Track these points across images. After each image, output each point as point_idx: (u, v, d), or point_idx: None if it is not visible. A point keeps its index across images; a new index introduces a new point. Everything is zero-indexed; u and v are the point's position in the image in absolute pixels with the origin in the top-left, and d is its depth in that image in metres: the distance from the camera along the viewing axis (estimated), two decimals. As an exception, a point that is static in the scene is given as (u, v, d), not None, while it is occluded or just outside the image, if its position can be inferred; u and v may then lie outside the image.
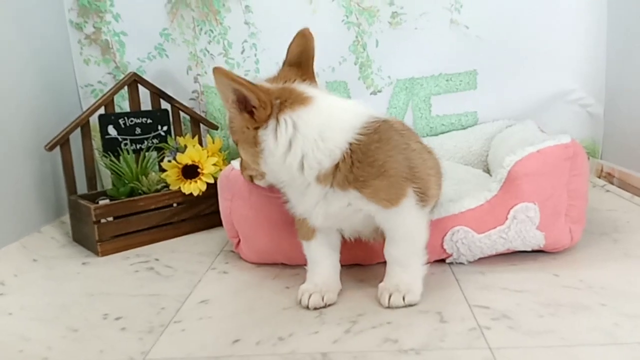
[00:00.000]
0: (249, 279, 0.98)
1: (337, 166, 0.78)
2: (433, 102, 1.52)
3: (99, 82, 1.49)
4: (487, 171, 1.41)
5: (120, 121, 1.29)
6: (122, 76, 1.37)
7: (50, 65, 1.37)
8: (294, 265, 0.99)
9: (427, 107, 1.53)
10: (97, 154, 1.38)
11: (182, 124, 1.39)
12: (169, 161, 1.22)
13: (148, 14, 1.46)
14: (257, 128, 0.79)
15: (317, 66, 0.89)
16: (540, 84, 1.50)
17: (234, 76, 0.75)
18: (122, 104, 1.45)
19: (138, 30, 1.47)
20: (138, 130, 1.31)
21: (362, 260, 0.98)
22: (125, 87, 1.31)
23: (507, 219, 0.93)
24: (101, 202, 1.17)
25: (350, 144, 0.78)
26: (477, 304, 0.82)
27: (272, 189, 0.92)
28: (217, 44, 1.48)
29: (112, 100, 1.29)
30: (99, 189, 1.32)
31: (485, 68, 1.50)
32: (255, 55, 1.49)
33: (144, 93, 1.33)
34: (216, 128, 1.43)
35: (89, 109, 1.26)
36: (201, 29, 1.47)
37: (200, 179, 1.19)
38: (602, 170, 1.48)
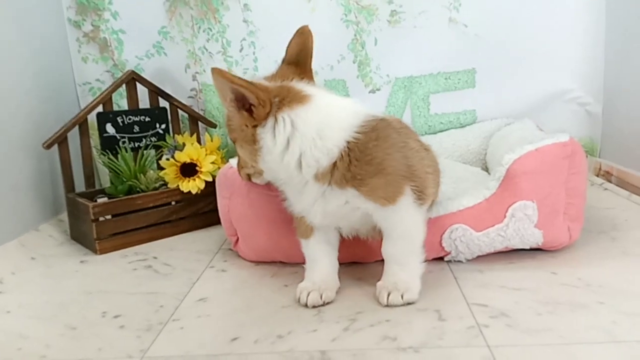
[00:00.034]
0: (248, 277, 0.98)
1: (335, 164, 0.78)
2: (432, 100, 1.52)
3: (97, 80, 1.49)
4: (486, 169, 1.41)
5: (119, 119, 1.28)
6: (121, 74, 1.36)
7: (48, 63, 1.36)
8: (292, 264, 0.99)
9: (426, 105, 1.53)
10: (95, 152, 1.38)
11: (181, 122, 1.39)
12: (167, 159, 1.22)
13: (146, 12, 1.46)
14: (255, 126, 0.79)
15: (315, 64, 0.89)
16: (539, 83, 1.50)
17: (232, 76, 0.75)
18: (121, 102, 1.45)
19: (136, 28, 1.46)
20: (136, 129, 1.31)
21: (360, 258, 0.98)
22: (124, 85, 1.30)
23: (505, 217, 0.93)
24: (99, 200, 1.17)
25: (348, 142, 0.78)
26: (476, 302, 0.82)
27: (270, 187, 0.92)
28: (215, 42, 1.48)
29: (110, 98, 1.29)
30: (97, 187, 1.32)
31: (483, 67, 1.50)
32: (254, 53, 1.48)
33: (142, 91, 1.33)
34: (214, 126, 1.43)
35: (87, 107, 1.25)
36: (200, 27, 1.47)
37: (198, 177, 1.19)
38: (600, 169, 1.48)
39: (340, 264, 0.90)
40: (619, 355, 0.68)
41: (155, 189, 1.22)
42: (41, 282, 1.01)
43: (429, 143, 0.94)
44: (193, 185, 1.19)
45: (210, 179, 1.19)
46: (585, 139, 1.53)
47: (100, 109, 1.27)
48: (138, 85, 1.32)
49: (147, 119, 1.32)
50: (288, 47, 0.87)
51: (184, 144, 1.24)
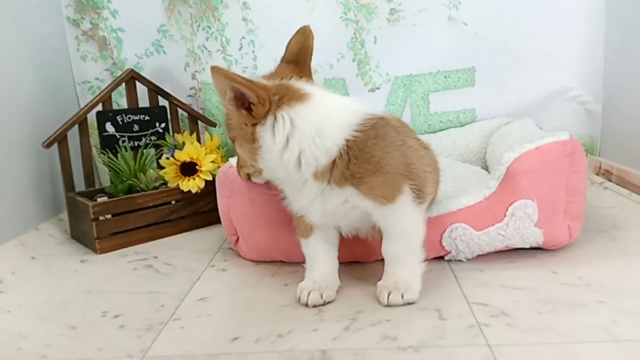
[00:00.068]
0: (248, 276, 0.98)
1: (334, 163, 0.78)
2: (431, 99, 1.52)
3: (97, 78, 1.49)
4: (486, 168, 1.41)
5: (118, 118, 1.28)
6: (120, 73, 1.36)
7: (47, 62, 1.36)
8: (292, 263, 0.99)
9: (425, 104, 1.52)
10: (94, 151, 1.37)
11: (180, 121, 1.39)
12: (167, 158, 1.21)
13: (145, 10, 1.46)
14: (254, 124, 0.79)
15: (315, 63, 0.89)
16: (539, 82, 1.50)
17: (231, 74, 0.75)
18: (120, 100, 1.44)
19: (135, 26, 1.46)
20: (136, 127, 1.30)
21: (360, 257, 0.98)
22: (123, 84, 1.30)
23: (505, 216, 0.93)
24: (99, 200, 1.17)
25: (347, 140, 0.78)
26: (476, 301, 0.82)
27: (270, 186, 0.92)
28: (214, 40, 1.47)
29: (110, 97, 1.29)
30: (97, 186, 1.32)
31: (483, 65, 1.50)
32: (253, 52, 1.48)
33: (141, 90, 1.33)
34: (214, 125, 1.43)
35: (86, 105, 1.25)
36: (199, 26, 1.47)
37: (198, 176, 1.19)
38: (600, 168, 1.48)
39: (340, 263, 0.90)
40: (619, 354, 0.68)
41: (155, 188, 1.22)
42: (41, 282, 1.01)
43: (428, 142, 0.94)
44: (193, 185, 1.19)
45: (210, 178, 1.18)
46: (585, 137, 1.53)
47: (99, 107, 1.27)
48: (137, 83, 1.32)
49: (147, 117, 1.31)
50: (288, 45, 0.87)
51: (183, 143, 1.23)
